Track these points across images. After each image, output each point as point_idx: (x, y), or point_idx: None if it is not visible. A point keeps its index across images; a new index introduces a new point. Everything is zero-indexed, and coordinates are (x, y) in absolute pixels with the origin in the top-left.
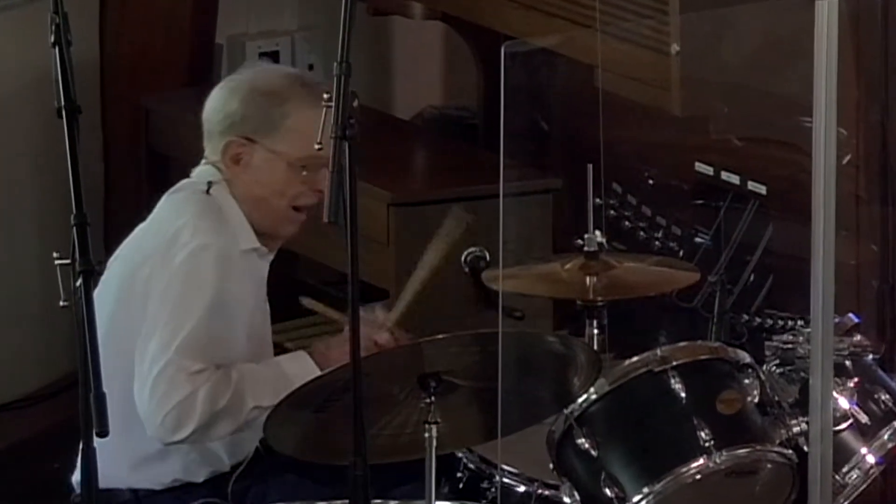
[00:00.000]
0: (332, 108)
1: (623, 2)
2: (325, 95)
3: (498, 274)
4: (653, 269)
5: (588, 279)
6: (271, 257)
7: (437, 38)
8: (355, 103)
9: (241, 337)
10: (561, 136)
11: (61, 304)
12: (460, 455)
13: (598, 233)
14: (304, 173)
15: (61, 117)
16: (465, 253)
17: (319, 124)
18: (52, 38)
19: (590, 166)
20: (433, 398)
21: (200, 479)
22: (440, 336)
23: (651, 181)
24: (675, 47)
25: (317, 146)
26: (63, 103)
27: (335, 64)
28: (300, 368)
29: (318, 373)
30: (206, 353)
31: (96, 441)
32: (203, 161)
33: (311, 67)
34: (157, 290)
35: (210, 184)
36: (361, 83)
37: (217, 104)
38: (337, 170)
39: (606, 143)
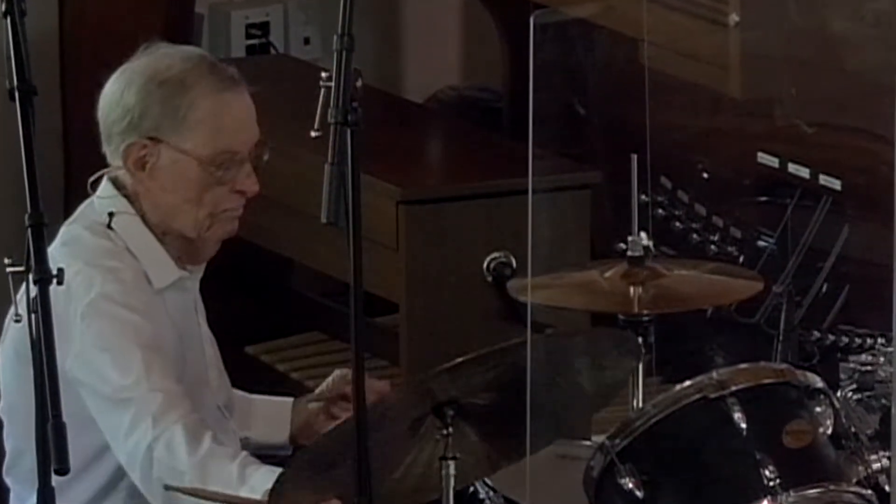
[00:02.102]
0: (332, 90)
1: None
2: (324, 74)
3: (526, 283)
4: (708, 278)
5: (632, 289)
6: (200, 273)
7: (455, 8)
8: (359, 83)
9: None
10: (600, 121)
11: (13, 318)
12: (482, 496)
13: (643, 235)
14: (220, 173)
15: (14, 99)
16: (488, 259)
17: (231, 112)
18: (3, 8)
19: (634, 157)
20: (450, 429)
21: None
22: (448, 364)
23: (706, 175)
24: (734, 17)
25: (314, 133)
26: (16, 83)
27: (335, 37)
28: None
29: None
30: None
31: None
32: (106, 174)
33: (307, 41)
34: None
35: (111, 215)
36: (366, 60)
37: (112, 99)
38: (337, 162)
39: (653, 130)
